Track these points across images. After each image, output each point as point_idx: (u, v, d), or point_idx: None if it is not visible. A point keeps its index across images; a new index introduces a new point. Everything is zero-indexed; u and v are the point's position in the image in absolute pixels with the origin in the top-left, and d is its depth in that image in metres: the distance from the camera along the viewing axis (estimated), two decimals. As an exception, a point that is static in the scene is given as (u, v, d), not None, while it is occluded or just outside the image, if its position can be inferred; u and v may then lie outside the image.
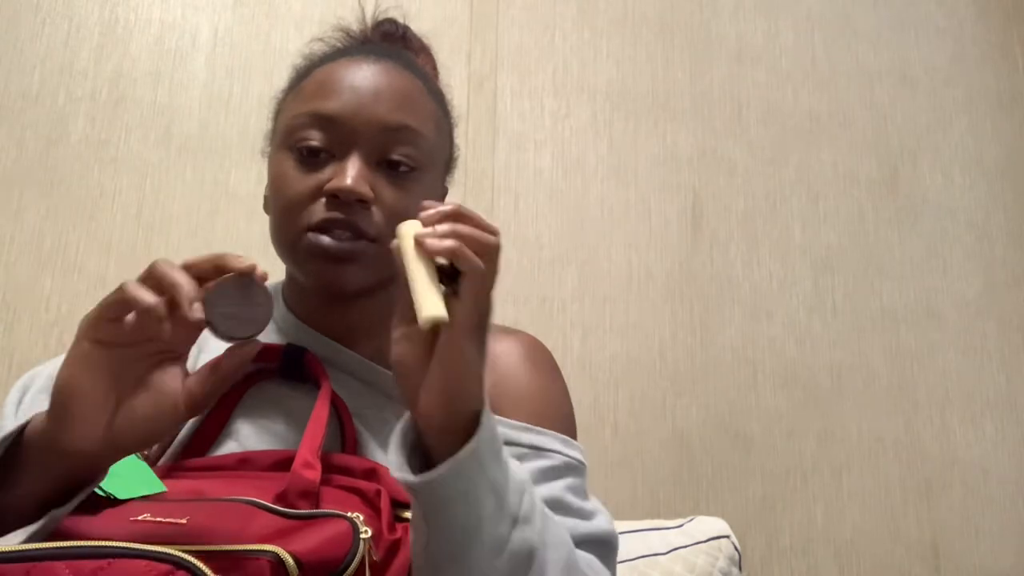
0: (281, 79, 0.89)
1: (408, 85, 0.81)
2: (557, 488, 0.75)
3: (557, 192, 1.64)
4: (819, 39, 1.85)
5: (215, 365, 0.61)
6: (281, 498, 0.64)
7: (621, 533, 1.16)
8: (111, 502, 0.64)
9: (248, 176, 1.51)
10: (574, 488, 0.77)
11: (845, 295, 1.70)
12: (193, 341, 0.62)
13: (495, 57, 1.68)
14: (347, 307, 0.82)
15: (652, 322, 1.60)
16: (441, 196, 0.88)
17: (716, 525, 1.22)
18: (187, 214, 1.48)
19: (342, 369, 0.81)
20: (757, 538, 1.52)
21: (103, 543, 0.53)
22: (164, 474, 0.72)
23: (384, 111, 0.78)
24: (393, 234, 0.75)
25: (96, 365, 0.59)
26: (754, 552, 1.51)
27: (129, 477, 0.68)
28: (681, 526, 1.21)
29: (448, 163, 0.89)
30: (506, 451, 0.64)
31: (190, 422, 0.78)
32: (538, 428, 0.78)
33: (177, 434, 0.78)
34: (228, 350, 0.61)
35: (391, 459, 0.61)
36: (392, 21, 0.93)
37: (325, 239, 0.76)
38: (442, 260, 0.61)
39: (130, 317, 0.59)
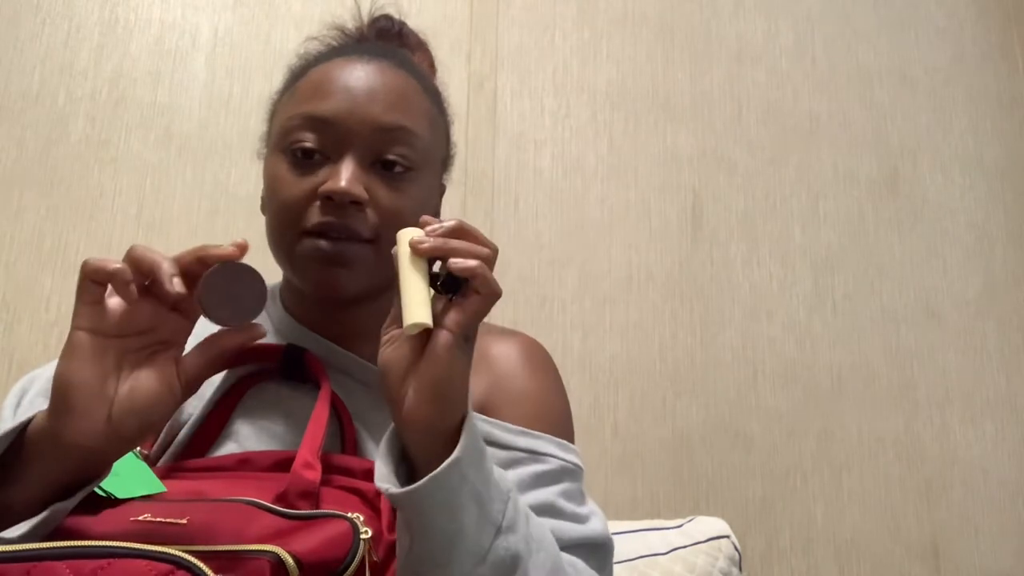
0: (281, 79, 0.89)
1: (402, 84, 0.81)
2: (552, 493, 0.75)
3: (557, 192, 1.64)
4: (819, 39, 1.85)
5: (211, 340, 0.62)
6: (281, 498, 0.64)
7: (621, 533, 1.16)
8: (111, 502, 0.65)
9: (248, 176, 1.51)
10: (569, 493, 0.76)
11: (845, 295, 1.70)
12: (187, 331, 0.62)
13: (495, 57, 1.68)
14: (345, 309, 0.82)
15: (652, 322, 1.60)
16: (439, 194, 0.88)
17: (716, 525, 1.22)
18: (187, 214, 1.48)
19: (341, 370, 0.81)
20: (757, 538, 1.52)
21: (103, 543, 0.53)
22: (164, 474, 0.72)
23: (378, 111, 0.78)
24: (389, 235, 0.76)
25: (91, 355, 0.59)
26: (754, 552, 1.51)
27: (129, 477, 0.68)
28: (681, 526, 1.21)
29: (445, 161, 0.89)
30: (491, 458, 0.64)
31: (190, 422, 0.78)
32: (535, 432, 0.78)
33: (178, 432, 0.78)
34: (230, 330, 0.62)
35: (377, 468, 0.62)
36: (388, 17, 0.92)
37: (320, 244, 0.75)
38: (437, 268, 0.61)
39: (113, 302, 0.60)
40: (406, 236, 0.62)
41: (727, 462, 1.55)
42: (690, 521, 1.23)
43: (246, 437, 0.77)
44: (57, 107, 1.48)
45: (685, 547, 1.17)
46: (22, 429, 0.62)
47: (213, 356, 0.62)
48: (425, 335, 0.61)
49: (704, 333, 1.62)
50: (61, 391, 0.59)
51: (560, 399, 0.85)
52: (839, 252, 1.73)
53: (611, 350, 1.57)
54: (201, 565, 0.51)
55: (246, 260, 0.62)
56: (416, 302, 0.59)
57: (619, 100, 1.72)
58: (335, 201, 0.75)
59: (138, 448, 0.74)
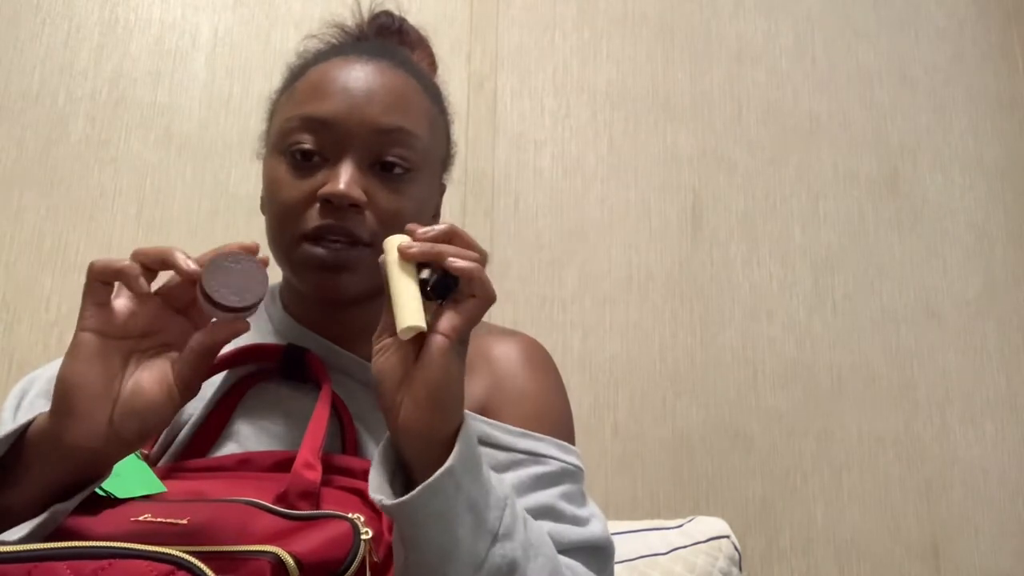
0: (280, 79, 0.89)
1: (401, 85, 0.80)
2: (552, 495, 0.75)
3: (557, 192, 1.64)
4: (819, 39, 1.85)
5: (198, 342, 0.61)
6: (282, 499, 0.64)
7: (621, 533, 1.16)
8: (111, 502, 0.64)
9: (248, 176, 1.51)
10: (570, 494, 0.76)
11: (845, 295, 1.70)
12: (191, 335, 0.62)
13: (495, 57, 1.68)
14: (345, 310, 0.81)
15: (652, 322, 1.60)
16: (439, 194, 0.88)
17: (716, 525, 1.22)
18: (187, 214, 1.48)
19: (341, 371, 0.81)
20: (757, 538, 1.52)
21: (104, 543, 0.53)
22: (165, 475, 0.72)
23: (377, 113, 0.77)
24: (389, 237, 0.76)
25: (96, 357, 0.59)
26: (754, 552, 1.51)
27: (129, 477, 0.68)
28: (681, 526, 1.21)
29: (445, 160, 0.88)
30: (487, 464, 0.64)
31: (190, 423, 0.78)
32: (535, 434, 0.78)
33: (178, 432, 0.78)
34: (212, 324, 0.61)
35: (371, 478, 0.61)
36: (388, 13, 0.92)
37: (319, 249, 0.75)
38: (425, 274, 0.61)
39: (120, 303, 0.60)
40: (394, 243, 0.62)
41: (727, 462, 1.55)
42: (690, 521, 1.23)
43: (246, 437, 0.77)
44: (57, 107, 1.48)
45: (685, 547, 1.17)
46: (23, 432, 0.62)
47: (205, 352, 0.61)
48: (419, 342, 0.61)
49: (704, 333, 1.62)
50: (64, 393, 0.59)
51: (560, 400, 0.85)
52: (839, 252, 1.73)
53: (611, 350, 1.57)
54: (202, 566, 0.51)
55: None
56: (409, 306, 0.59)
57: (619, 100, 1.72)
58: (334, 204, 0.75)
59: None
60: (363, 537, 0.59)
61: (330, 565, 0.57)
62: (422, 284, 0.61)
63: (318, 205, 0.76)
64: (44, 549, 0.52)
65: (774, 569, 1.52)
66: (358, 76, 0.79)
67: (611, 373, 1.56)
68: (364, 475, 0.71)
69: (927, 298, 1.74)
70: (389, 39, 0.90)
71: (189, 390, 0.61)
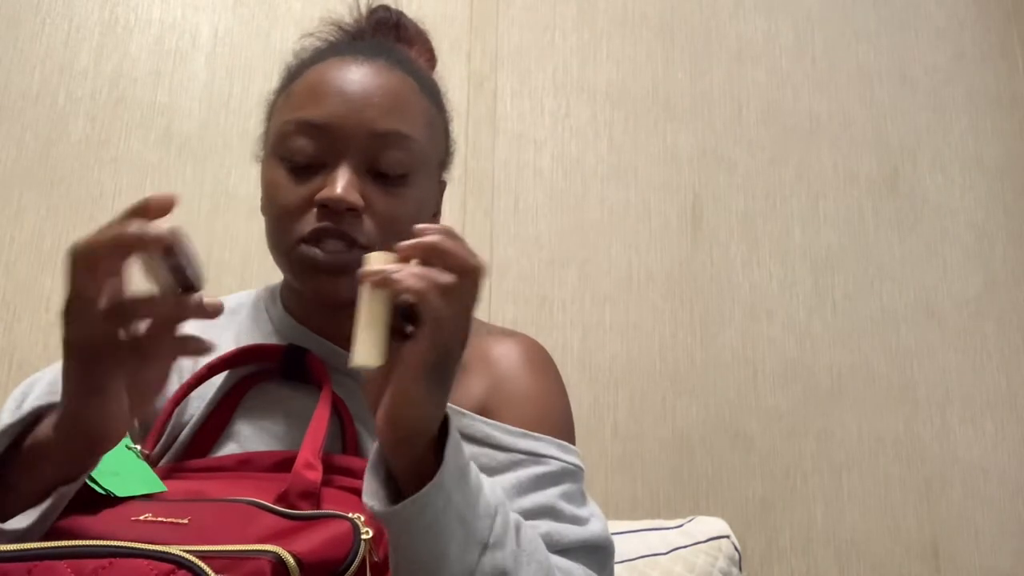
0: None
1: (398, 86, 0.80)
2: (552, 495, 0.75)
3: (557, 192, 1.64)
4: (819, 39, 1.85)
5: (163, 315, 0.59)
6: (282, 499, 0.64)
7: (621, 533, 1.16)
8: (111, 501, 0.65)
9: (248, 176, 1.51)
10: (570, 494, 0.76)
11: (845, 295, 1.70)
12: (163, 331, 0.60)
13: (495, 57, 1.68)
14: (345, 311, 0.81)
15: (652, 322, 1.60)
16: (439, 193, 0.88)
17: (716, 525, 1.22)
18: (187, 214, 1.48)
19: (341, 371, 0.81)
20: (757, 538, 1.52)
21: (105, 542, 0.53)
22: (165, 475, 0.72)
23: (373, 117, 0.77)
24: (387, 240, 0.75)
25: (99, 386, 0.58)
26: (754, 552, 1.51)
27: (129, 476, 0.68)
28: (681, 526, 1.21)
29: (444, 159, 0.88)
30: (477, 473, 0.64)
31: (191, 423, 0.78)
32: (535, 434, 0.78)
33: (180, 432, 0.78)
34: (178, 299, 0.59)
35: (365, 483, 0.61)
36: (386, 7, 0.91)
37: (317, 252, 0.75)
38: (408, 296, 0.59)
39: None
40: (375, 260, 0.60)
41: (727, 462, 1.55)
42: (690, 521, 1.23)
43: (247, 437, 0.77)
44: (57, 107, 1.48)
45: (685, 547, 1.17)
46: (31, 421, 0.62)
47: (165, 321, 0.59)
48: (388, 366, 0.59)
49: (704, 333, 1.62)
50: (89, 436, 0.59)
51: (561, 400, 0.85)
52: (839, 252, 1.73)
53: (611, 350, 1.57)
54: (202, 565, 0.51)
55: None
56: (361, 339, 0.58)
57: (619, 100, 1.72)
58: (331, 208, 0.74)
59: (139, 448, 0.74)
60: (363, 537, 0.59)
61: (330, 565, 0.57)
62: (402, 304, 0.59)
63: (316, 209, 0.75)
64: (45, 548, 0.52)
65: (774, 569, 1.52)
66: (354, 78, 0.78)
67: (611, 373, 1.56)
68: (364, 475, 0.71)
69: (927, 298, 1.74)
70: (387, 34, 0.90)
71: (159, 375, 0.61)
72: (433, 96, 0.85)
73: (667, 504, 1.50)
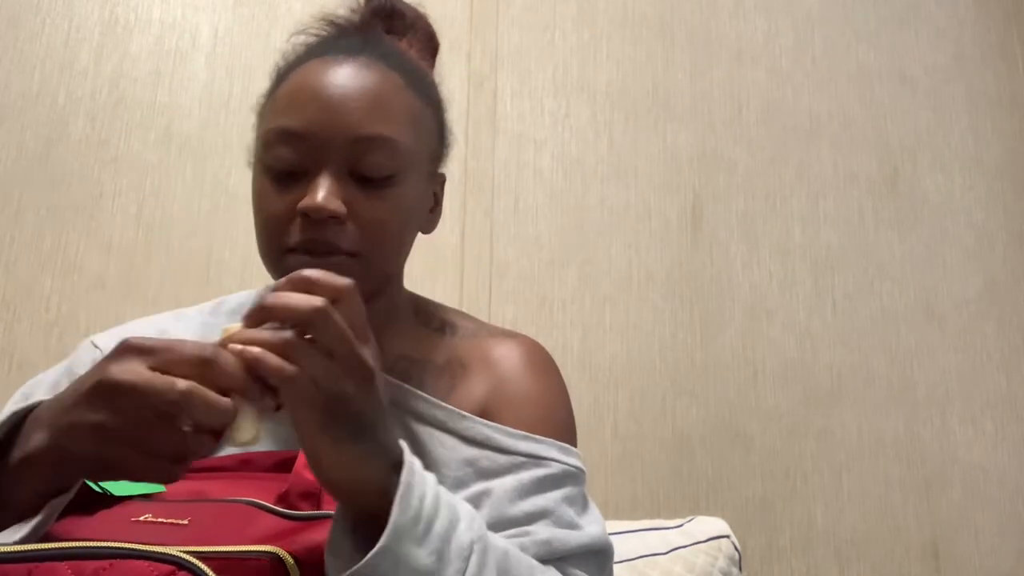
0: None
1: (379, 84, 0.77)
2: (553, 499, 0.75)
3: (557, 192, 1.64)
4: (819, 39, 1.85)
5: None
6: (283, 499, 0.64)
7: (621, 533, 1.16)
8: (110, 502, 0.64)
9: (248, 176, 1.51)
10: (571, 498, 0.76)
11: (845, 295, 1.70)
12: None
13: (495, 57, 1.68)
14: None
15: (652, 322, 1.60)
16: (435, 187, 0.86)
17: (716, 525, 1.22)
18: (187, 214, 1.48)
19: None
20: (757, 538, 1.52)
21: (105, 543, 0.53)
22: (165, 475, 0.72)
23: (352, 122, 0.75)
24: (374, 245, 0.75)
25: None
26: (754, 552, 1.51)
27: (128, 477, 0.68)
28: (681, 526, 1.21)
29: (437, 154, 0.85)
30: (448, 511, 0.60)
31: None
32: (536, 436, 0.78)
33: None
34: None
35: (328, 538, 0.58)
36: None
37: (304, 262, 0.73)
38: None
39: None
40: (225, 334, 0.55)
41: (727, 462, 1.55)
42: (690, 521, 1.23)
43: (248, 438, 0.77)
44: (57, 107, 1.48)
45: (685, 547, 1.17)
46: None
47: None
48: None
49: (704, 333, 1.62)
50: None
51: (562, 402, 0.85)
52: (839, 252, 1.73)
53: (611, 350, 1.57)
54: (202, 566, 0.51)
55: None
56: (241, 415, 0.54)
57: (619, 100, 1.72)
58: (313, 217, 0.73)
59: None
60: (363, 537, 0.59)
61: (330, 565, 0.57)
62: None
63: (300, 219, 0.74)
64: (45, 549, 0.52)
65: (774, 569, 1.52)
66: (333, 81, 0.76)
67: (611, 373, 1.56)
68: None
69: (927, 298, 1.74)
70: (380, 25, 0.88)
71: None
72: (420, 88, 0.82)
73: (667, 504, 1.50)
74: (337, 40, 0.83)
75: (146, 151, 1.50)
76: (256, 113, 0.84)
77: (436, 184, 0.86)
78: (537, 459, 0.76)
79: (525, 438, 0.77)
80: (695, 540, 1.18)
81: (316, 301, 0.54)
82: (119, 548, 0.52)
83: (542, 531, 0.71)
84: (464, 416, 0.78)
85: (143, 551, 0.52)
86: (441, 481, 0.77)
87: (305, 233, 0.74)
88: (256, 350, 0.53)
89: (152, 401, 0.51)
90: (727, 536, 1.20)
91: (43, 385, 0.81)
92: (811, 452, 1.60)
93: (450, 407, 0.79)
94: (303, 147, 0.75)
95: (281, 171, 0.76)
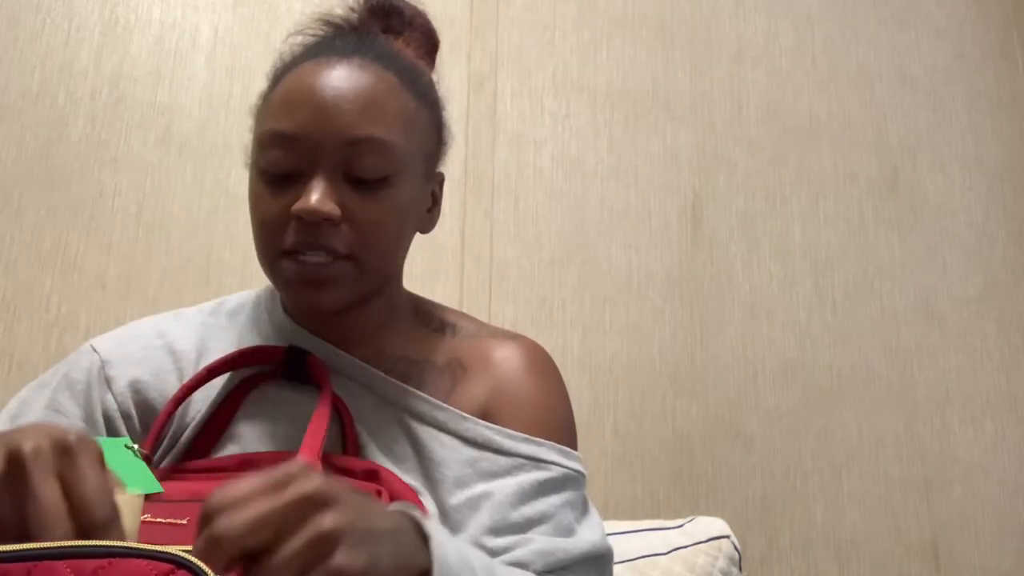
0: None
1: (372, 86, 0.77)
2: (553, 503, 0.75)
3: (557, 192, 1.64)
4: (819, 39, 1.85)
5: None
6: (282, 499, 0.64)
7: (621, 533, 1.16)
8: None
9: (247, 176, 1.51)
10: (571, 502, 0.76)
11: (845, 295, 1.70)
12: None
13: (495, 57, 1.68)
14: (339, 315, 0.81)
15: (652, 322, 1.60)
16: (433, 186, 0.86)
17: (716, 525, 1.22)
18: (187, 214, 1.48)
19: (340, 372, 0.81)
20: (757, 538, 1.52)
21: (104, 542, 0.53)
22: (166, 476, 0.72)
23: (345, 124, 0.75)
24: (369, 247, 0.74)
25: None
26: (754, 552, 1.51)
27: (126, 476, 0.68)
28: (681, 526, 1.21)
29: (433, 153, 0.85)
30: None
31: (193, 424, 0.78)
32: (537, 439, 0.78)
33: (183, 433, 0.78)
34: None
35: None
36: None
37: (298, 265, 0.74)
38: None
39: None
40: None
41: (727, 462, 1.55)
42: (690, 521, 1.23)
43: (248, 439, 0.77)
44: (57, 107, 1.48)
45: (685, 547, 1.17)
46: None
47: None
48: None
49: (704, 333, 1.62)
50: None
51: (563, 404, 0.85)
52: (839, 252, 1.73)
53: (611, 350, 1.57)
54: (202, 565, 0.51)
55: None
56: None
57: (619, 100, 1.72)
58: (307, 220, 0.74)
59: (136, 447, 0.74)
60: (362, 537, 0.59)
61: (330, 565, 0.57)
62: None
63: (294, 221, 0.74)
64: (44, 548, 0.52)
65: (774, 569, 1.52)
66: (325, 83, 0.76)
67: (611, 373, 1.56)
68: (364, 475, 0.71)
69: (927, 298, 1.74)
70: (381, 19, 0.87)
71: None
72: (416, 88, 0.82)
73: (667, 504, 1.50)
74: (332, 41, 0.83)
75: (146, 151, 1.50)
76: (252, 115, 0.84)
77: (434, 183, 0.86)
78: (538, 462, 0.76)
79: (526, 440, 0.77)
80: (695, 540, 1.18)
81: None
82: (118, 547, 0.52)
83: (543, 540, 0.71)
84: (465, 418, 0.78)
85: (142, 550, 0.52)
86: (442, 480, 0.77)
87: (300, 236, 0.74)
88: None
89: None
90: (727, 536, 1.20)
91: (35, 407, 0.79)
92: (811, 452, 1.60)
93: (451, 408, 0.79)
94: (297, 150, 0.75)
95: (276, 174, 0.76)
